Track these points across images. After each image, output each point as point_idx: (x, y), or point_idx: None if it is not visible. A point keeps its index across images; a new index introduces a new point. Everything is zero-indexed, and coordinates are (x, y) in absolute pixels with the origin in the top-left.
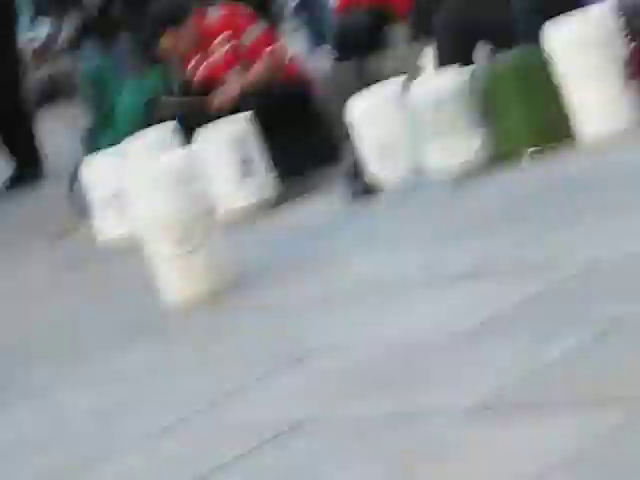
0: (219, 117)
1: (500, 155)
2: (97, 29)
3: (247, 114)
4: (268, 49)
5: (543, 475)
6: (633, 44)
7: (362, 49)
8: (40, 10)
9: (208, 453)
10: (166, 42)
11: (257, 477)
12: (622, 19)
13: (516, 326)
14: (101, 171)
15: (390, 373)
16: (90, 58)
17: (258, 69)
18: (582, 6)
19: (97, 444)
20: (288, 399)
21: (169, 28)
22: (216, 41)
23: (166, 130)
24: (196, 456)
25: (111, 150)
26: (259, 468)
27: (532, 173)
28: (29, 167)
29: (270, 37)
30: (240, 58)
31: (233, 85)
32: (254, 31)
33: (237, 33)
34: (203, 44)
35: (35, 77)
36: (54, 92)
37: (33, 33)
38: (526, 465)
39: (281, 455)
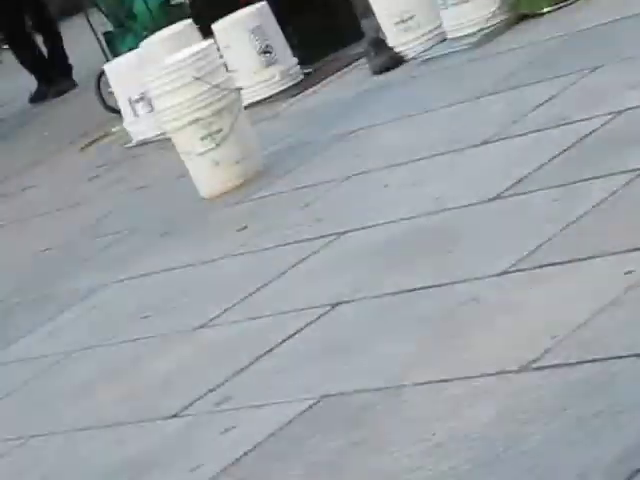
0: (235, 9)
1: (519, 11)
2: None
3: (263, 3)
4: None
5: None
6: None
7: None
8: None
9: (254, 339)
10: None
11: (306, 352)
12: None
13: (549, 182)
14: (126, 73)
15: (426, 243)
16: None
17: None
18: None
19: (146, 342)
20: (329, 278)
21: None
22: None
23: (184, 27)
24: (243, 343)
25: (133, 52)
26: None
27: (552, 27)
28: (61, 78)
29: None
30: None
31: None
32: None
33: None
34: None
35: None
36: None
37: None
38: (566, 313)
39: (326, 330)
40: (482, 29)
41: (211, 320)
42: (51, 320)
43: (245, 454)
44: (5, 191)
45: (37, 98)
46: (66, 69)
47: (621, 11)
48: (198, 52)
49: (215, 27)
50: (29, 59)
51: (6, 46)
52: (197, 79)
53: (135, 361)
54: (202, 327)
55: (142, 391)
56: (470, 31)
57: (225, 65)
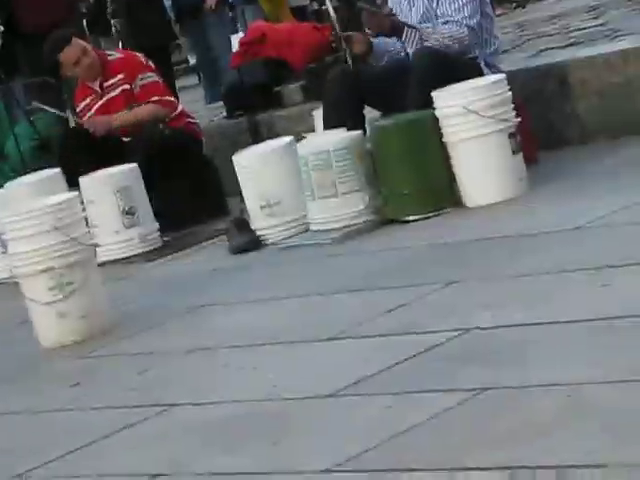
0: (106, 165)
1: (385, 216)
2: None
3: (134, 164)
4: (155, 97)
5: None
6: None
7: (254, 105)
8: None
9: None
10: (71, 54)
11: None
12: None
13: (386, 388)
14: None
15: (254, 428)
16: None
17: (138, 112)
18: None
19: None
20: (151, 449)
21: (73, 37)
22: (109, 82)
23: (52, 175)
24: None
25: None
26: None
27: (415, 235)
28: None
29: (161, 87)
30: (129, 102)
31: (107, 118)
32: (147, 78)
33: (131, 77)
34: (100, 84)
35: None
36: None
37: None
38: None
39: None
40: (346, 226)
41: (28, 471)
42: None
43: None
44: None
45: None
46: None
47: (486, 230)
48: (61, 203)
49: (82, 181)
50: None
51: None
52: (55, 229)
53: None
54: (19, 477)
55: None
56: (334, 226)
57: (86, 219)
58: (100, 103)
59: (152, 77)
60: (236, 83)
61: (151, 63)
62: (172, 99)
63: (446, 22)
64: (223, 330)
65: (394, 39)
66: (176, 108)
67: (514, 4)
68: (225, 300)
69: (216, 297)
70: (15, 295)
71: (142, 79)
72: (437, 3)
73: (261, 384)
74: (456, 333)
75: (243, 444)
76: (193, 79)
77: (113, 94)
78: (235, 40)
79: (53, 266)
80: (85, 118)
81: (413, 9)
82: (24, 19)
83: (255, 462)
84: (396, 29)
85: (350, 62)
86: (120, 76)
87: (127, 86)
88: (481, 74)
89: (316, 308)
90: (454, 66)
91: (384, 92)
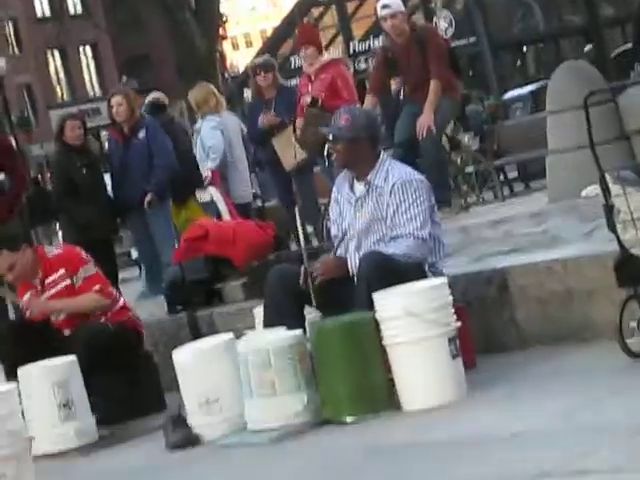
0: (45, 357)
1: (323, 416)
2: None
3: (72, 357)
4: (96, 287)
5: None
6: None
7: (195, 301)
8: None
9: None
10: (1, 265)
11: None
12: None
13: None
14: None
15: None
16: None
17: (79, 300)
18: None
19: None
20: None
21: (3, 249)
22: (49, 279)
23: None
24: None
25: None
26: None
27: (351, 438)
28: None
29: (102, 278)
30: (71, 294)
31: (44, 302)
32: (89, 271)
33: (72, 271)
34: (41, 281)
35: None
36: None
37: None
38: None
39: None
40: (284, 426)
41: None
42: None
43: None
44: None
45: None
46: None
47: (423, 435)
48: None
49: (20, 372)
50: None
51: None
52: None
53: None
54: None
55: None
56: (272, 425)
57: (22, 411)
58: (43, 298)
59: (92, 270)
60: (177, 279)
61: (88, 256)
62: (113, 291)
63: (395, 236)
64: None
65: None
66: (117, 300)
67: (457, 209)
68: None
69: None
70: None
71: (85, 272)
72: (387, 213)
73: None
74: None
75: None
76: (134, 271)
77: (54, 291)
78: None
79: None
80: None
81: (359, 215)
82: None
83: None
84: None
85: (313, 300)
86: (61, 272)
87: (69, 281)
88: (425, 277)
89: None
90: (399, 270)
91: (326, 295)
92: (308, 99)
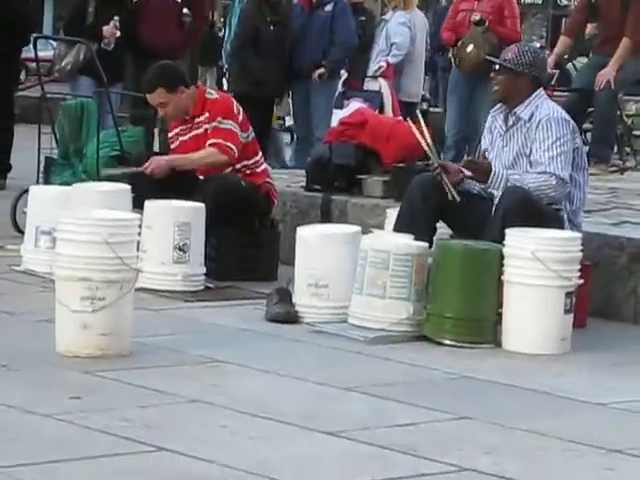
0: (174, 197)
1: (423, 332)
2: (101, 67)
3: (200, 204)
4: (213, 140)
5: None
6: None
7: (334, 185)
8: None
9: None
10: (154, 99)
11: None
12: None
13: None
14: (46, 203)
15: None
16: (82, 91)
17: (193, 156)
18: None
19: None
20: None
21: (161, 87)
22: (199, 119)
23: (120, 190)
24: None
25: (63, 188)
26: None
27: (445, 360)
28: None
29: (232, 135)
30: (202, 140)
31: (164, 160)
32: (224, 123)
33: (212, 118)
34: (191, 117)
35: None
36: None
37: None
38: None
39: None
40: (383, 330)
41: None
42: None
43: None
44: None
45: None
46: (3, 169)
47: (514, 377)
48: (119, 220)
49: (147, 204)
50: None
51: None
52: (106, 243)
53: None
54: None
55: None
56: (372, 326)
57: (138, 242)
58: (188, 136)
59: (230, 125)
60: (324, 158)
61: (240, 112)
62: (234, 147)
63: (537, 172)
64: (232, 391)
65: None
66: (234, 157)
67: (613, 167)
68: (244, 362)
69: (237, 357)
70: (47, 293)
71: (220, 122)
72: (530, 149)
73: (252, 456)
74: (452, 468)
75: None
76: (285, 137)
77: (197, 132)
78: (336, 116)
79: (91, 277)
80: (173, 145)
81: (506, 149)
82: (142, 36)
83: None
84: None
85: (451, 191)
86: (206, 115)
87: (207, 125)
88: (562, 227)
89: (326, 399)
90: (539, 212)
91: (462, 215)
92: (477, 17)
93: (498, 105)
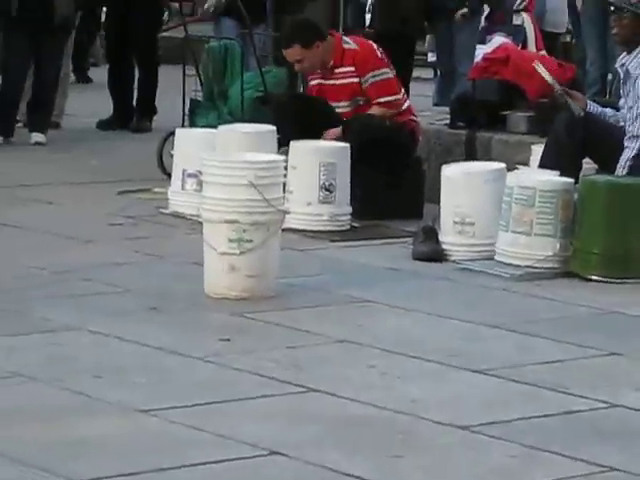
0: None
1: (570, 268)
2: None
3: (346, 144)
4: (381, 99)
5: None
6: None
7: (478, 122)
8: None
9: None
10: (290, 55)
11: None
12: None
13: (518, 437)
14: (192, 146)
15: (381, 437)
16: (226, 32)
17: (372, 122)
18: None
19: None
20: (274, 425)
21: (297, 43)
22: (340, 70)
23: (266, 131)
24: None
25: (209, 130)
26: None
27: (593, 296)
28: (140, 117)
29: (392, 85)
30: (355, 95)
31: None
32: (379, 75)
33: (362, 72)
34: (330, 68)
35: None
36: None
37: None
38: None
39: None
40: (530, 267)
41: (151, 410)
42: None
43: None
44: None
45: (102, 125)
46: (149, 111)
47: None
48: (265, 162)
49: (293, 144)
50: (112, 85)
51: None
52: (252, 186)
53: None
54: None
55: None
56: (519, 263)
57: (284, 184)
58: (329, 83)
59: (384, 74)
60: (468, 95)
61: (384, 57)
62: (399, 97)
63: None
64: (380, 331)
65: (609, 109)
66: (401, 106)
67: None
68: (391, 301)
69: (384, 296)
70: (195, 234)
71: (374, 76)
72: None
73: (401, 396)
74: (602, 405)
75: (362, 450)
76: (429, 72)
77: (342, 82)
78: (480, 51)
79: (238, 220)
80: (314, 92)
81: (627, 98)
82: None
83: (369, 471)
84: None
85: (576, 108)
86: (351, 68)
87: (356, 79)
88: None
89: (473, 337)
90: None
91: (609, 150)
92: None
93: (622, 54)
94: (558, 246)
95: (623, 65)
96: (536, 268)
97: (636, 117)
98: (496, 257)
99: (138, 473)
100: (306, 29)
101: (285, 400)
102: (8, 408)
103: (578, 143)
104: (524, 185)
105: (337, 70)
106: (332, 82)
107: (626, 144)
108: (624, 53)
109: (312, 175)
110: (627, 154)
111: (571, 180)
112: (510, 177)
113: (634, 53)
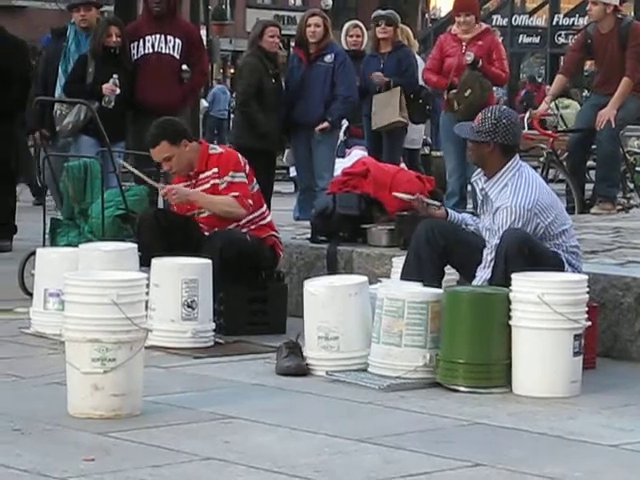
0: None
1: (437, 379)
2: (103, 127)
3: (208, 260)
4: (235, 193)
5: None
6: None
7: (339, 236)
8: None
9: None
10: (158, 153)
11: None
12: None
13: None
14: (53, 265)
15: None
16: (85, 150)
17: (215, 198)
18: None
19: None
20: None
21: (164, 140)
22: (204, 175)
23: (127, 249)
24: None
25: (70, 249)
26: None
27: (459, 407)
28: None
29: (246, 189)
30: (214, 194)
31: (185, 190)
32: (237, 177)
33: (223, 173)
34: (195, 174)
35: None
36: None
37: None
38: None
39: None
40: (399, 378)
41: None
42: None
43: None
44: None
45: None
46: (8, 231)
47: (527, 423)
48: (127, 280)
49: (154, 262)
50: None
51: None
52: (114, 304)
53: None
54: None
55: None
56: (389, 374)
57: (147, 302)
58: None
59: (242, 177)
60: (328, 209)
61: (246, 164)
62: (251, 203)
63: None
64: (246, 447)
65: (468, 216)
66: (249, 210)
67: (618, 206)
68: (256, 417)
69: (249, 412)
70: (57, 355)
71: (232, 177)
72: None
73: None
74: None
75: None
76: (289, 186)
77: (204, 187)
78: (339, 165)
79: (101, 339)
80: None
81: (483, 217)
82: (142, 93)
83: None
84: None
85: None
86: (214, 170)
87: (217, 181)
88: (562, 270)
89: (340, 451)
90: (540, 255)
91: (468, 255)
92: (469, 58)
93: (478, 170)
94: (428, 356)
95: (483, 189)
96: (406, 379)
97: (493, 247)
98: (370, 369)
99: None
100: (174, 127)
101: None
102: None
103: (438, 252)
104: (393, 297)
105: (201, 176)
106: (198, 189)
107: (483, 264)
108: (479, 170)
109: (174, 292)
110: (483, 275)
111: (440, 291)
112: (380, 289)
113: (494, 180)
